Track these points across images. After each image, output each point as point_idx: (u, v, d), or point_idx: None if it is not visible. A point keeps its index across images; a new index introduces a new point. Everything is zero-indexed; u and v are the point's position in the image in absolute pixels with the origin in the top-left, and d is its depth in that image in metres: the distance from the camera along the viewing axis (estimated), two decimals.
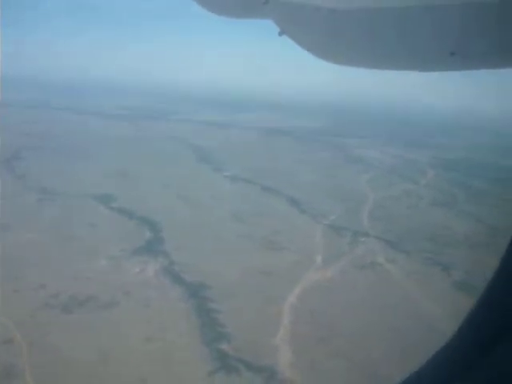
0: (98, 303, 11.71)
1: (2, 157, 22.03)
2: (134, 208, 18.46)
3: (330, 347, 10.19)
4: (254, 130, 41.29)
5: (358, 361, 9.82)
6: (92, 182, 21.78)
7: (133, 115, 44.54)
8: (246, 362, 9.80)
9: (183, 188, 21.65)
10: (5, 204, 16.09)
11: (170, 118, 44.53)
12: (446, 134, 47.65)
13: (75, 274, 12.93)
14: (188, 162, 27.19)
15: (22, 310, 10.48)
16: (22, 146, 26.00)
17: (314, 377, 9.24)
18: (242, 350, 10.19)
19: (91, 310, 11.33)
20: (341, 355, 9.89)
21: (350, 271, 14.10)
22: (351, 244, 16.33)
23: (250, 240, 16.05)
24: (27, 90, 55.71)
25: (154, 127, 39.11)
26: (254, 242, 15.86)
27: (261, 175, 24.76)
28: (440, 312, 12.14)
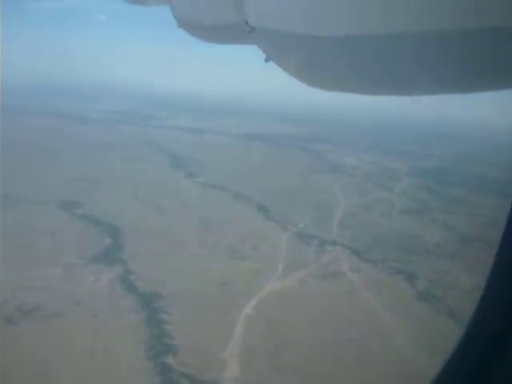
0: (45, 313, 11.22)
1: None
2: (98, 215, 17.98)
3: (280, 361, 9.82)
4: (230, 136, 40.93)
5: (308, 376, 9.45)
6: (59, 188, 21.25)
7: (108, 119, 43.95)
8: (189, 376, 9.40)
9: (152, 194, 21.19)
10: None
11: (146, 123, 44.00)
12: (426, 142, 47.68)
13: (26, 283, 12.43)
14: (160, 167, 26.74)
15: None
16: None
17: None
18: (188, 363, 9.78)
19: (37, 321, 10.83)
20: (290, 369, 9.53)
21: (312, 281, 13.77)
22: (317, 253, 16.00)
23: (214, 248, 15.66)
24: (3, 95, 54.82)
25: (129, 132, 38.57)
26: (218, 250, 15.47)
27: (233, 182, 24.38)
28: (398, 323, 11.84)
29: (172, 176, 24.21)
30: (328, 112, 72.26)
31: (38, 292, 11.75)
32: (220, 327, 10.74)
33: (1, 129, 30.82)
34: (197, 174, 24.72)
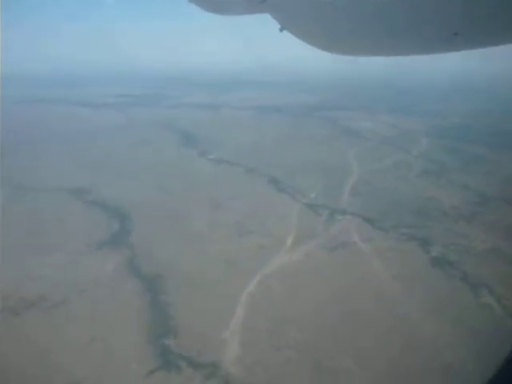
0: (48, 304, 11.28)
1: None
2: (107, 200, 17.98)
3: (282, 339, 9.63)
4: (245, 109, 40.38)
5: (310, 353, 9.22)
6: (69, 174, 21.35)
7: (120, 103, 43.93)
8: (189, 358, 9.29)
9: (163, 175, 21.10)
10: None
11: (159, 104, 43.82)
12: (447, 100, 45.97)
13: (31, 273, 12.53)
14: (172, 147, 26.58)
15: None
16: (4, 142, 25.66)
17: (258, 371, 8.69)
18: (188, 345, 9.68)
19: (40, 312, 10.91)
20: (292, 347, 9.33)
21: (320, 254, 13.42)
22: (327, 223, 15.61)
23: (222, 226, 15.47)
24: (15, 84, 55.42)
25: (142, 114, 38.47)
26: (226, 227, 15.29)
27: (246, 156, 24.06)
28: (407, 292, 11.45)
29: (184, 155, 24.00)
30: (345, 78, 70.64)
31: (43, 281, 11.82)
32: (222, 307, 10.59)
33: (5, 118, 31.34)
34: (210, 151, 24.45)
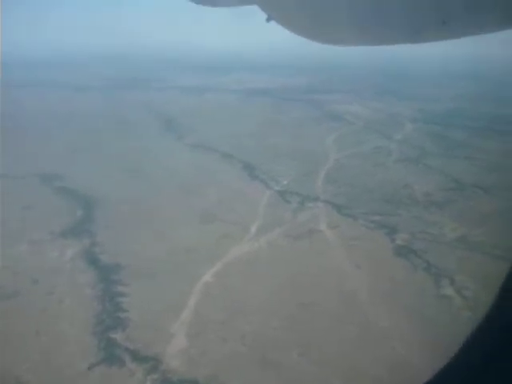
0: (0, 295, 11.01)
1: None
2: (78, 187, 17.64)
3: (229, 330, 9.39)
4: (232, 92, 39.81)
5: (256, 344, 9.01)
6: (44, 160, 20.96)
7: (109, 85, 43.25)
8: (133, 351, 9.06)
9: (137, 161, 20.72)
10: None
11: (146, 87, 43.17)
12: (440, 85, 45.43)
13: None
14: (152, 131, 26.16)
15: None
16: None
17: (201, 365, 8.49)
18: (135, 338, 9.45)
19: None
20: (238, 339, 9.10)
21: (283, 242, 13.16)
22: (296, 211, 15.31)
23: (188, 213, 15.17)
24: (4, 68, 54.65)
25: (127, 97, 37.89)
26: (191, 215, 14.98)
27: (224, 141, 23.67)
28: (368, 281, 11.24)
29: (162, 140, 23.61)
30: (337, 62, 69.70)
31: None
32: (175, 297, 10.34)
33: None
34: (188, 136, 24.08)
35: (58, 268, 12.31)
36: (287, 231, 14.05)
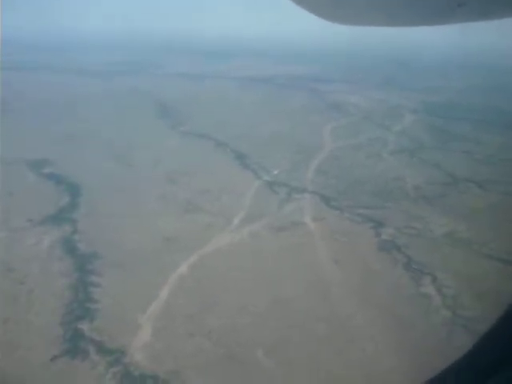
0: None
1: None
2: (65, 173, 17.49)
3: (198, 325, 9.21)
4: (231, 79, 39.41)
5: (222, 340, 8.82)
6: (35, 146, 20.81)
7: (110, 71, 43.00)
8: (99, 343, 8.91)
9: (128, 149, 20.51)
10: None
11: (146, 73, 42.88)
12: (445, 75, 44.65)
13: None
14: (146, 118, 25.90)
15: None
16: None
17: (164, 359, 8.31)
18: (102, 329, 9.30)
19: None
20: (205, 335, 8.91)
21: (265, 234, 12.93)
22: (282, 202, 15.05)
23: (172, 202, 14.98)
24: (5, 50, 54.42)
25: (126, 83, 37.60)
26: (175, 204, 14.78)
27: (220, 129, 23.39)
28: (344, 277, 10.98)
29: (156, 127, 23.36)
30: (346, 51, 68.85)
31: None
32: (148, 289, 10.16)
33: None
34: (183, 123, 23.78)
35: (34, 256, 12.14)
36: (271, 223, 13.79)
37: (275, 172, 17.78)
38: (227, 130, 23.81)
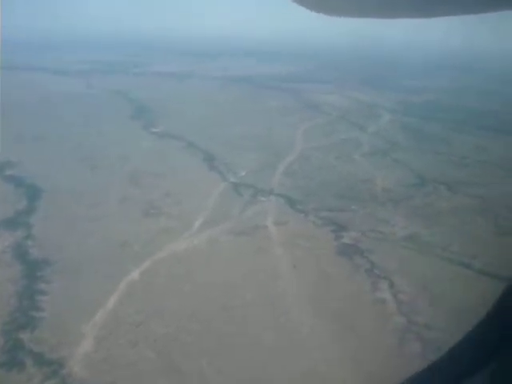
0: None
1: None
2: (27, 176, 17.02)
3: (142, 334, 8.91)
4: (212, 79, 39.11)
5: (166, 350, 8.53)
6: (1, 147, 20.30)
7: (90, 70, 42.42)
8: (38, 354, 8.55)
9: (95, 150, 20.08)
10: None
11: (128, 71, 42.42)
12: (429, 75, 44.75)
13: None
14: (119, 119, 25.48)
15: None
16: None
17: (103, 371, 8.00)
18: (43, 339, 8.95)
19: None
20: (150, 344, 8.62)
21: (223, 239, 12.64)
22: (246, 205, 14.78)
23: (132, 205, 14.62)
24: None
25: (105, 82, 37.08)
26: (136, 207, 14.43)
27: (193, 130, 23.07)
28: (297, 284, 10.73)
29: (128, 127, 22.95)
30: (330, 50, 68.78)
31: None
32: (96, 296, 9.82)
33: None
34: (156, 124, 23.44)
35: None
36: (231, 227, 13.46)
37: (243, 173, 17.50)
38: (200, 131, 23.49)
